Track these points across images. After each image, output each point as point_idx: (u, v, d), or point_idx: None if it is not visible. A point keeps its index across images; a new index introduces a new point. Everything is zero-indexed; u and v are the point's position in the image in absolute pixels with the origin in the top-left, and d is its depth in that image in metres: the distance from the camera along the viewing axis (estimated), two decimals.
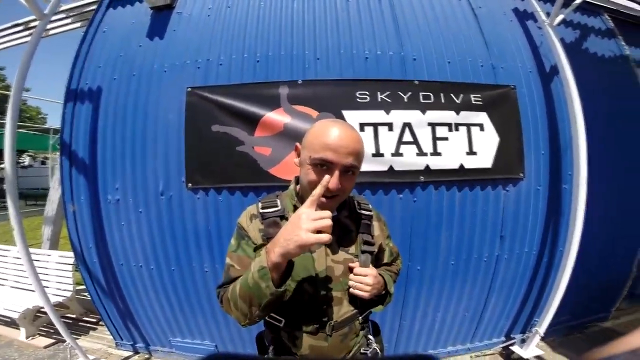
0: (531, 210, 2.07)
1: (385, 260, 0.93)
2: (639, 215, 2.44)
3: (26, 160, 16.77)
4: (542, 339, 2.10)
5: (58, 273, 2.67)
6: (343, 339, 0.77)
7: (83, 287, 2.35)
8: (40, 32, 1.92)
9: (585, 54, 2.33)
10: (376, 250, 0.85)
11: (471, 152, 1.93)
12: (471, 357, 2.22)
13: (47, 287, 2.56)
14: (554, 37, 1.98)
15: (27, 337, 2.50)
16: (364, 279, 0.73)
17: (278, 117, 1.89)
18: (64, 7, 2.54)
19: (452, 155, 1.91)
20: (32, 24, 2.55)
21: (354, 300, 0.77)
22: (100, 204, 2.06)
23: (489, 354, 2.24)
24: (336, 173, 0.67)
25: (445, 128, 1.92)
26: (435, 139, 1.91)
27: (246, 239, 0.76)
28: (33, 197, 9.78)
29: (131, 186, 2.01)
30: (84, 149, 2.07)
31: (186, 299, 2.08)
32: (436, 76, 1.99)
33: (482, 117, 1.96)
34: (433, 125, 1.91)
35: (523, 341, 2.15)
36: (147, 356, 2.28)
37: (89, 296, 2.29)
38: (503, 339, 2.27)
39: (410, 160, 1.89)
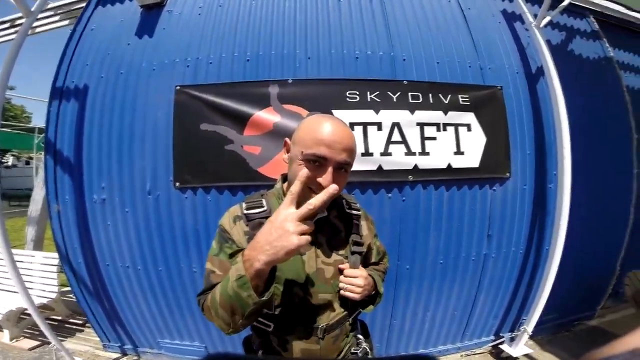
0: (517, 209, 2.10)
1: (373, 259, 0.92)
2: (623, 214, 2.50)
3: (10, 160, 16.42)
4: (531, 337, 2.12)
5: (42, 274, 2.61)
6: (335, 341, 0.76)
7: (69, 288, 2.31)
8: (26, 30, 1.89)
9: (571, 56, 2.38)
10: (365, 250, 0.83)
11: (459, 152, 1.95)
12: (461, 356, 2.23)
13: (32, 288, 2.50)
14: (541, 38, 2.02)
15: (11, 340, 2.44)
16: (355, 280, 0.72)
17: (268, 116, 1.88)
18: (52, 5, 2.51)
19: (440, 154, 1.93)
20: (19, 22, 2.51)
21: (344, 301, 0.75)
22: (86, 204, 2.02)
23: (479, 353, 2.26)
24: (330, 169, 0.64)
25: (434, 128, 1.94)
26: (423, 138, 1.92)
27: (229, 242, 0.71)
28: (17, 197, 9.51)
29: (118, 185, 1.98)
30: (69, 148, 2.04)
31: (174, 300, 2.05)
32: (425, 77, 2.00)
33: (470, 118, 1.98)
34: (421, 125, 1.93)
35: (512, 340, 2.17)
36: (135, 358, 2.24)
37: (74, 297, 2.25)
38: (492, 337, 2.28)
39: (399, 159, 1.90)
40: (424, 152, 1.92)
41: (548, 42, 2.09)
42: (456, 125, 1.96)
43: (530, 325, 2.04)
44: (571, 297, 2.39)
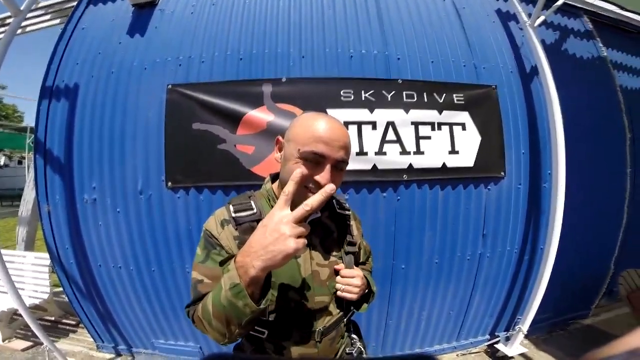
0: (512, 208, 2.09)
1: (361, 259, 0.91)
2: (617, 213, 2.51)
3: (2, 159, 16.27)
4: (526, 336, 2.12)
5: (34, 275, 2.58)
6: (332, 343, 0.75)
7: (61, 289, 2.28)
8: (14, 29, 1.86)
9: (565, 55, 2.38)
10: (357, 250, 0.83)
11: (453, 151, 1.94)
12: (457, 355, 2.23)
13: (23, 289, 2.48)
14: (535, 38, 2.02)
15: (3, 340, 2.42)
16: (352, 280, 0.71)
17: (261, 115, 1.87)
18: (43, 4, 2.48)
19: (435, 154, 1.92)
20: (8, 21, 2.47)
21: (339, 302, 0.75)
22: (77, 204, 1.99)
23: (474, 352, 2.25)
24: (328, 167, 0.62)
25: (428, 127, 1.93)
26: (418, 138, 1.91)
27: (218, 249, 0.67)
28: (9, 197, 9.46)
29: (109, 185, 1.96)
30: (59, 147, 2.01)
31: (168, 300, 2.03)
32: (419, 76, 2.00)
33: (464, 117, 1.97)
34: (416, 124, 1.92)
35: (507, 339, 2.17)
36: (129, 358, 2.22)
37: (67, 298, 2.23)
38: (488, 337, 2.28)
39: (393, 159, 1.89)
40: (418, 152, 1.91)
41: (542, 41, 2.09)
42: (451, 125, 1.95)
43: (525, 325, 2.04)
44: (566, 296, 2.40)
